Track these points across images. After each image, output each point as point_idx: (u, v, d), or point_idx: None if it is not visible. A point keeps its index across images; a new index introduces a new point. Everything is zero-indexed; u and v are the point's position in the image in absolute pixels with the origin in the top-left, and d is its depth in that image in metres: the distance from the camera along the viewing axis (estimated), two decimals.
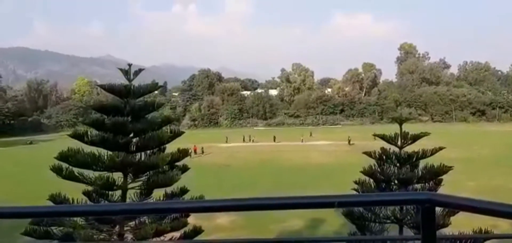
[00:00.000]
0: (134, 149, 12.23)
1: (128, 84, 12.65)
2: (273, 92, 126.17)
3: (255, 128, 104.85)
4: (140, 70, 13.23)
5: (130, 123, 12.19)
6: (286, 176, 40.10)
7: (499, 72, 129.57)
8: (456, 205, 1.73)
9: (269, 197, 1.53)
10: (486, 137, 72.01)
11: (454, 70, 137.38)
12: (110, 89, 12.60)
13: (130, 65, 12.99)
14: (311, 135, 79.53)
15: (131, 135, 12.44)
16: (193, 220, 15.38)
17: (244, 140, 73.36)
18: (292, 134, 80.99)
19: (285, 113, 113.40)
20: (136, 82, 13.18)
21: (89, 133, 12.24)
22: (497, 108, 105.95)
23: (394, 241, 11.16)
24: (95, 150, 12.16)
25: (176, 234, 12.03)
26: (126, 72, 12.74)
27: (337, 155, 53.47)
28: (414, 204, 1.66)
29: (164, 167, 12.29)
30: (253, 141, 72.60)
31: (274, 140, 72.01)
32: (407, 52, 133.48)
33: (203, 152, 58.27)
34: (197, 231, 12.19)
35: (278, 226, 24.19)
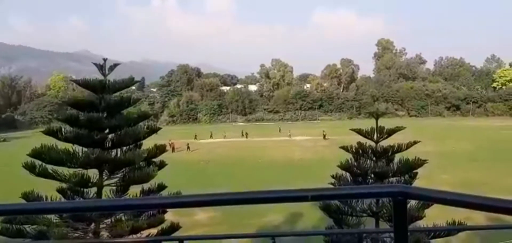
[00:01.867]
0: (110, 145, 12.03)
1: (103, 79, 12.42)
2: (253, 88, 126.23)
3: (234, 123, 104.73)
4: (115, 65, 13.01)
5: (105, 119, 11.99)
6: (266, 172, 40.22)
7: (473, 68, 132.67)
8: (427, 198, 1.74)
9: (244, 192, 1.54)
10: (460, 131, 73.71)
11: (430, 65, 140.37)
12: (84, 84, 12.36)
13: (105, 60, 12.75)
14: (280, 131, 79.11)
15: (107, 131, 12.23)
16: (171, 216, 15.26)
17: (211, 137, 72.37)
18: (265, 130, 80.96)
19: (264, 109, 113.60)
20: (113, 78, 12.97)
21: (63, 129, 11.98)
22: (471, 103, 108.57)
23: (369, 234, 11.38)
24: (69, 146, 11.92)
25: (153, 231, 11.90)
26: (101, 67, 12.50)
27: (317, 150, 53.86)
28: (386, 196, 1.66)
29: (141, 163, 12.12)
30: (224, 136, 71.48)
31: (246, 137, 70.96)
32: (384, 48, 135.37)
33: (188, 148, 57.12)
34: (174, 227, 12.09)
35: (258, 220, 24.25)
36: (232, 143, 64.90)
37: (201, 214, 25.99)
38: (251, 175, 38.12)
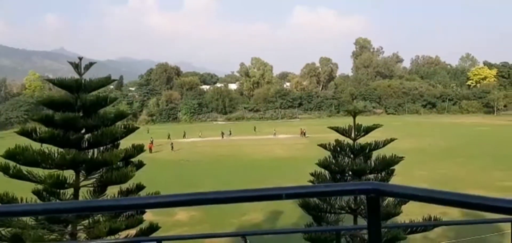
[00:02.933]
0: (86, 145, 11.81)
1: (79, 78, 12.18)
2: (233, 87, 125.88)
3: (214, 122, 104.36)
4: (91, 63, 12.78)
5: (81, 118, 11.77)
6: (246, 170, 40.27)
7: (449, 66, 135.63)
8: (400, 195, 1.76)
9: (219, 192, 1.53)
10: (436, 128, 75.25)
11: (406, 64, 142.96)
12: (59, 84, 12.10)
13: (80, 58, 12.52)
14: (255, 130, 79.07)
15: (83, 131, 12.00)
16: (151, 216, 15.13)
17: (184, 137, 71.24)
18: (245, 129, 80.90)
19: (245, 107, 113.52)
20: (91, 77, 12.73)
21: (38, 130, 11.70)
22: (447, 101, 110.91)
23: (348, 230, 11.51)
24: (45, 147, 11.66)
25: (132, 232, 11.76)
26: (76, 66, 12.26)
27: (297, 148, 54.14)
28: (360, 194, 1.68)
29: (119, 163, 11.94)
30: (200, 136, 70.72)
31: (222, 136, 69.89)
32: (362, 47, 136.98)
33: (172, 148, 56.23)
34: (153, 228, 11.97)
35: (239, 219, 24.31)
36: (211, 142, 64.68)
37: (182, 214, 25.86)
38: (232, 173, 38.08)
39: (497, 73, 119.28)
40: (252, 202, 1.59)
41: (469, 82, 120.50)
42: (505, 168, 37.24)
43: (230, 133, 73.35)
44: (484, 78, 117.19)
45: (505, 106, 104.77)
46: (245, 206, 24.21)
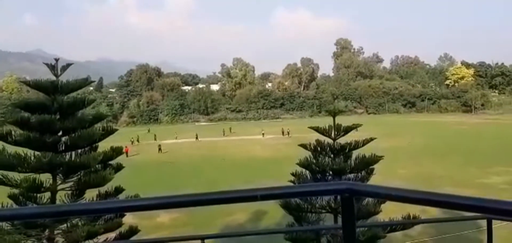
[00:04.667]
0: (63, 148, 11.56)
1: (55, 80, 11.92)
2: (215, 87, 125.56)
3: (196, 123, 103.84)
4: (68, 65, 12.53)
5: (58, 121, 11.51)
6: (229, 171, 40.18)
7: (428, 66, 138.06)
8: (373, 194, 1.75)
9: (195, 194, 1.52)
10: (416, 127, 76.37)
11: (386, 64, 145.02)
12: (35, 85, 11.82)
13: (57, 60, 12.25)
14: (230, 130, 78.98)
15: (60, 133, 11.74)
16: (131, 219, 14.90)
17: (155, 139, 69.21)
18: (215, 130, 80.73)
19: (227, 108, 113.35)
20: (69, 78, 12.48)
21: (13, 133, 11.40)
22: (426, 100, 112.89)
23: (324, 230, 11.57)
24: (20, 150, 11.38)
25: (111, 235, 11.56)
26: (53, 67, 11.99)
27: (279, 148, 54.23)
28: (334, 194, 1.66)
29: (97, 166, 11.73)
30: (176, 138, 69.89)
31: (196, 138, 68.38)
32: (342, 47, 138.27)
33: (160, 150, 55.22)
34: (133, 231, 11.79)
35: (223, 220, 24.18)
36: (190, 144, 64.30)
37: (164, 216, 25.62)
38: (213, 175, 37.90)
39: (474, 72, 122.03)
40: (228, 203, 1.59)
41: (447, 82, 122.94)
42: (482, 165, 38.04)
43: (229, 132, 73.58)
44: (462, 78, 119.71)
45: (482, 104, 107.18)
46: (229, 207, 24.11)
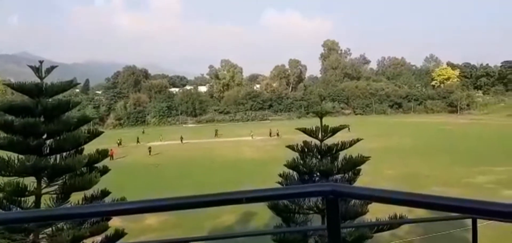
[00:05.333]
0: (48, 151, 11.40)
1: (40, 82, 11.76)
2: (203, 89, 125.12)
3: (184, 125, 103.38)
4: (53, 67, 12.35)
5: (42, 124, 11.34)
6: (218, 173, 40.09)
7: (414, 67, 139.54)
8: (358, 195, 1.75)
9: (181, 197, 1.51)
10: (403, 128, 77.11)
11: (373, 65, 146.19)
12: (19, 88, 11.64)
13: (41, 62, 12.08)
14: (216, 133, 78.18)
15: (44, 136, 11.57)
16: (118, 222, 14.75)
17: (138, 141, 68.73)
18: (203, 132, 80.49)
19: (215, 110, 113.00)
20: (56, 80, 12.32)
21: None
22: (412, 101, 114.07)
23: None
24: (4, 154, 11.20)
25: (97, 239, 11.43)
26: (37, 70, 11.82)
27: (267, 149, 54.28)
28: (318, 196, 1.66)
29: (83, 169, 11.58)
30: (161, 140, 69.23)
31: (181, 141, 67.12)
32: (330, 49, 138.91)
33: (150, 152, 54.49)
34: (119, 234, 11.67)
35: (211, 222, 24.08)
36: (177, 145, 63.98)
37: (152, 218, 25.46)
38: (201, 177, 37.73)
39: (459, 73, 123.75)
40: (213, 206, 1.59)
41: (433, 83, 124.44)
42: (468, 165, 38.56)
43: (215, 135, 72.92)
44: (448, 79, 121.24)
45: (468, 105, 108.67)
46: (218, 209, 24.03)
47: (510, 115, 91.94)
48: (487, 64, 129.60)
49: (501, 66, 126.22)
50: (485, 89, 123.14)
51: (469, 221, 2.99)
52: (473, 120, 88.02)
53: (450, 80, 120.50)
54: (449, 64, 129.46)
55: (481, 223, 3.67)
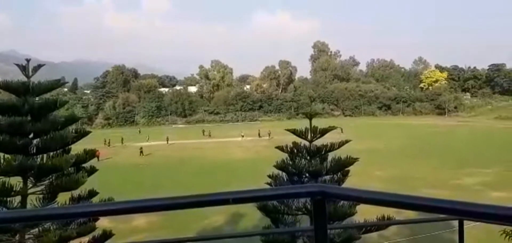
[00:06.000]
0: (34, 151, 11.25)
1: (26, 81, 11.60)
2: (192, 89, 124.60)
3: (174, 125, 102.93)
4: (40, 65, 12.19)
5: (29, 123, 11.19)
6: (207, 174, 39.97)
7: (403, 69, 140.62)
8: (345, 197, 1.75)
9: (166, 198, 1.49)
10: (392, 129, 77.69)
11: (362, 67, 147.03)
12: (5, 86, 11.47)
13: (28, 60, 11.94)
14: (205, 133, 78.58)
15: (31, 136, 11.42)
16: (106, 223, 14.63)
17: (122, 142, 67.81)
18: (192, 132, 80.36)
19: (205, 110, 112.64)
20: (44, 79, 12.17)
21: None
22: (401, 103, 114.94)
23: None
24: None
25: (84, 240, 11.31)
26: (24, 68, 11.67)
27: (257, 150, 54.30)
28: (306, 196, 1.66)
29: (70, 169, 11.44)
30: (148, 140, 68.05)
31: (167, 141, 66.31)
32: (320, 50, 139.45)
33: (142, 152, 53.86)
34: (107, 235, 11.56)
35: (200, 223, 24.00)
36: (166, 146, 63.66)
37: (140, 219, 25.31)
38: (189, 178, 37.55)
39: (448, 76, 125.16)
40: (200, 207, 1.57)
41: (422, 85, 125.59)
42: (456, 167, 38.99)
43: (202, 134, 72.45)
44: (436, 81, 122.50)
45: (455, 107, 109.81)
46: (208, 209, 23.96)
47: (497, 117, 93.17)
48: (475, 67, 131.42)
49: (488, 69, 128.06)
50: (473, 92, 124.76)
51: (456, 222, 3.02)
52: (461, 122, 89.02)
53: (438, 82, 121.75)
54: (438, 67, 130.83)
55: (468, 225, 3.69)
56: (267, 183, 12.48)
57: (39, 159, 11.33)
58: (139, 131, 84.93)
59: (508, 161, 40.25)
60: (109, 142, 64.62)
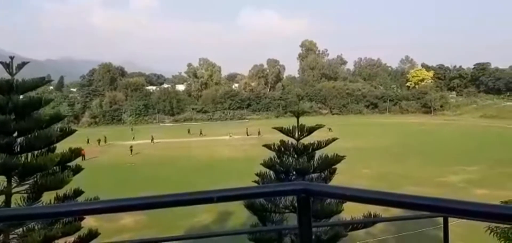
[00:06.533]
0: (19, 150, 11.07)
1: (10, 79, 11.40)
2: (180, 87, 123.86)
3: (161, 124, 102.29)
4: (24, 63, 11.99)
5: (13, 121, 11.00)
6: (195, 172, 39.88)
7: (390, 68, 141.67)
8: (329, 194, 1.75)
9: (151, 196, 1.50)
10: (379, 128, 78.34)
11: (350, 66, 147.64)
12: None
13: (12, 57, 11.72)
14: (191, 132, 78.55)
15: (15, 134, 11.23)
16: (93, 222, 14.48)
17: (104, 141, 66.79)
18: (180, 131, 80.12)
19: (193, 109, 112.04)
20: (29, 77, 11.97)
21: None
22: (388, 101, 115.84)
23: (291, 230, 11.64)
24: None
25: (70, 239, 11.18)
26: (7, 66, 11.46)
27: (245, 149, 54.27)
28: (290, 194, 1.65)
29: (55, 168, 11.28)
30: (133, 138, 67.87)
31: (152, 141, 65.75)
32: (308, 49, 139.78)
33: (132, 151, 53.50)
34: (92, 234, 11.44)
35: (187, 222, 23.96)
36: (154, 145, 63.24)
37: (127, 218, 25.19)
38: (175, 177, 37.37)
39: (434, 75, 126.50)
40: (185, 206, 1.56)
41: (408, 84, 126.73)
42: (441, 164, 39.49)
43: (188, 133, 71.81)
44: (422, 80, 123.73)
45: (441, 106, 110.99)
46: (194, 208, 23.89)
47: (482, 116, 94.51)
48: (460, 66, 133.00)
49: (473, 68, 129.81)
50: (458, 91, 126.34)
51: (441, 220, 3.04)
52: (446, 120, 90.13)
53: (425, 81, 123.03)
54: (424, 66, 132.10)
55: (453, 222, 3.73)
56: (255, 181, 12.48)
57: (23, 158, 11.16)
58: (132, 129, 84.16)
59: (492, 159, 40.92)
60: (99, 141, 64.03)
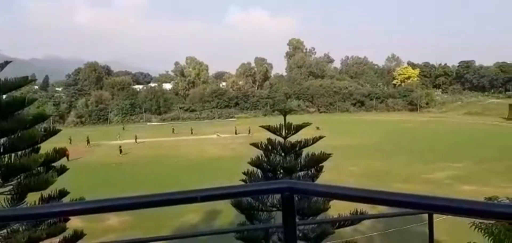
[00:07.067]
0: (1, 150, 10.87)
1: None
2: (167, 86, 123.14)
3: (148, 123, 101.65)
4: (7, 62, 11.79)
5: None
6: (182, 172, 39.72)
7: (376, 66, 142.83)
8: (313, 192, 1.75)
9: (134, 196, 1.51)
10: (365, 125, 78.94)
11: (337, 64, 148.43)
12: None
13: None
14: (173, 131, 78.26)
15: None
16: (79, 223, 14.33)
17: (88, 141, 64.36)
18: (167, 130, 79.79)
19: (180, 108, 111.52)
20: (13, 77, 11.75)
21: None
22: (375, 99, 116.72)
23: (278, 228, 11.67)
24: None
25: (55, 240, 11.03)
26: None
27: (233, 147, 54.24)
28: (275, 193, 1.66)
29: (39, 168, 11.11)
30: (119, 137, 66.92)
31: (135, 140, 64.30)
32: (295, 48, 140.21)
33: (121, 151, 52.63)
34: (78, 235, 11.31)
35: (175, 221, 23.87)
36: (143, 144, 62.81)
37: (113, 219, 25.01)
38: (161, 177, 37.15)
39: (419, 72, 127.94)
40: (168, 206, 1.54)
41: (394, 81, 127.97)
42: (427, 161, 39.98)
43: (172, 132, 71.62)
44: (408, 78, 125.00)
45: (427, 103, 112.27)
46: (182, 208, 23.78)
47: (467, 113, 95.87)
48: (446, 64, 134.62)
49: (458, 66, 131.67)
50: (444, 88, 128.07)
51: (426, 216, 3.06)
52: (432, 118, 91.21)
53: (411, 79, 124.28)
54: (410, 64, 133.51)
55: (438, 218, 3.76)
56: (242, 180, 12.47)
57: (6, 159, 10.97)
58: (123, 128, 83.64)
59: (477, 155, 41.55)
60: (88, 142, 63.22)
